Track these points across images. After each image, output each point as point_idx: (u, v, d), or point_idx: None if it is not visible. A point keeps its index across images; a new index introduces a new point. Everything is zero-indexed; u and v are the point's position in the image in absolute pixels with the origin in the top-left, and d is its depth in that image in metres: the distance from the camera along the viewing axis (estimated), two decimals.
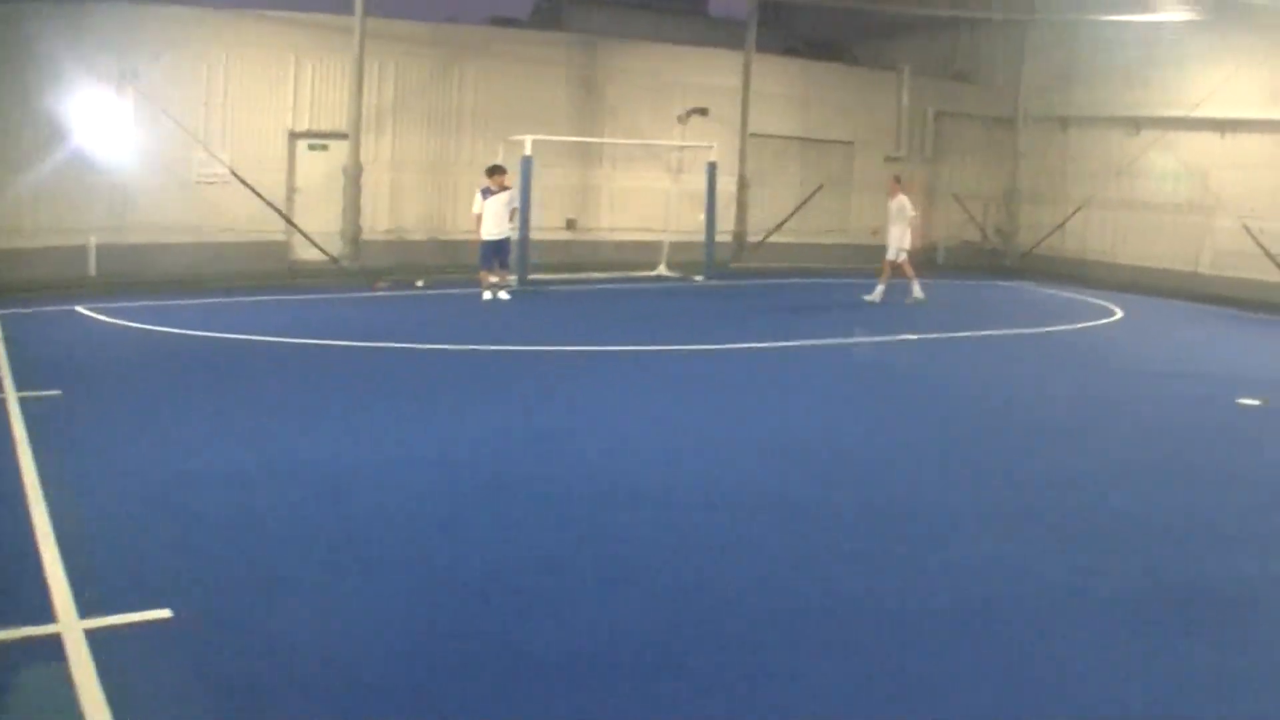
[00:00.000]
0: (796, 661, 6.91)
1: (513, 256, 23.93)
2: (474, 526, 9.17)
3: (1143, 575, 8.69)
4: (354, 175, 25.64)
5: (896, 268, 25.32)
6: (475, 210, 22.78)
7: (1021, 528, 9.73)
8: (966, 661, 7.03)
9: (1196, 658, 7.24)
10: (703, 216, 27.97)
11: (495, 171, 22.83)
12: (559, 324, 20.94)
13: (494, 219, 22.57)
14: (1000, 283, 31.62)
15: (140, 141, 23.86)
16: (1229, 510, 10.70)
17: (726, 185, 30.31)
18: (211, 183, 24.53)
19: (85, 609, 7.07)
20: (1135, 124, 32.78)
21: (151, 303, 20.04)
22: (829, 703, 6.43)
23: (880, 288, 25.17)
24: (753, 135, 32.26)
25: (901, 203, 25.21)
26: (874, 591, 8.11)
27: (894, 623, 7.57)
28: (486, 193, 22.63)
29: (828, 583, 8.26)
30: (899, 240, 25.22)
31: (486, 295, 22.57)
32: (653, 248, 28.71)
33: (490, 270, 22.82)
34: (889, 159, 34.89)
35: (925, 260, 35.09)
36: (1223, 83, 29.90)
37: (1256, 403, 15.93)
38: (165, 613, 7.09)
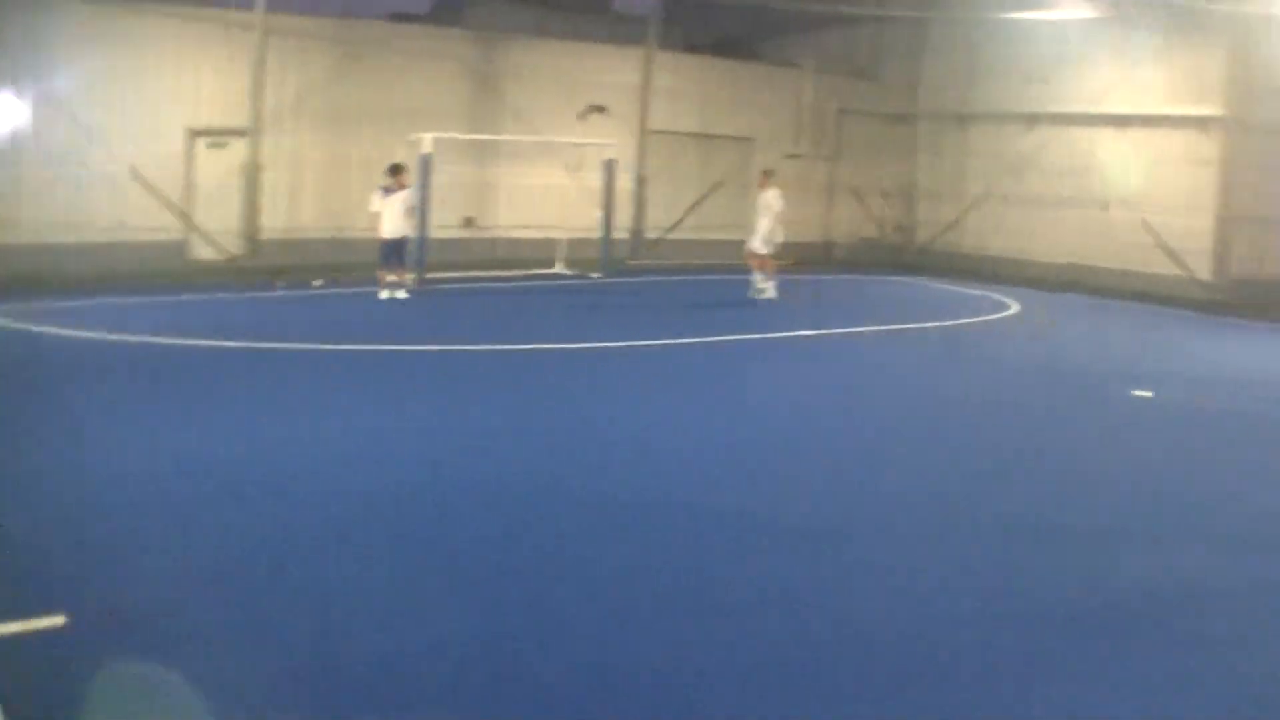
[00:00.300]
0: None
1: (411, 255, 24.22)
2: (372, 529, 9.45)
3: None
4: (253, 173, 25.99)
5: (760, 260, 25.84)
6: (374, 209, 23.25)
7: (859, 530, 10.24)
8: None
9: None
10: (600, 214, 28.35)
11: (395, 170, 23.27)
12: (456, 323, 21.52)
13: (393, 218, 23.07)
14: (899, 278, 32.55)
15: (37, 139, 23.96)
16: (1110, 507, 11.29)
17: (626, 182, 30.91)
18: (110, 182, 24.61)
19: None
20: (1033, 120, 33.83)
21: (45, 304, 20.17)
22: None
23: (769, 282, 25.78)
24: (653, 132, 32.89)
25: (771, 196, 25.79)
26: (811, 584, 8.73)
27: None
28: (386, 191, 23.14)
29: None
30: (766, 233, 25.65)
31: (384, 294, 23.05)
32: (551, 245, 29.15)
33: (389, 269, 23.27)
34: (789, 155, 35.61)
35: (824, 256, 35.81)
36: (1121, 79, 30.84)
37: (1148, 394, 16.75)
38: (59, 619, 7.18)
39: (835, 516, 10.53)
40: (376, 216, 23.15)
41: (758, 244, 25.73)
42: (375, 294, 23.17)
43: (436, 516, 9.85)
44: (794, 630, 7.78)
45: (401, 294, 23.29)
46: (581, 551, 9.12)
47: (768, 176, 26.48)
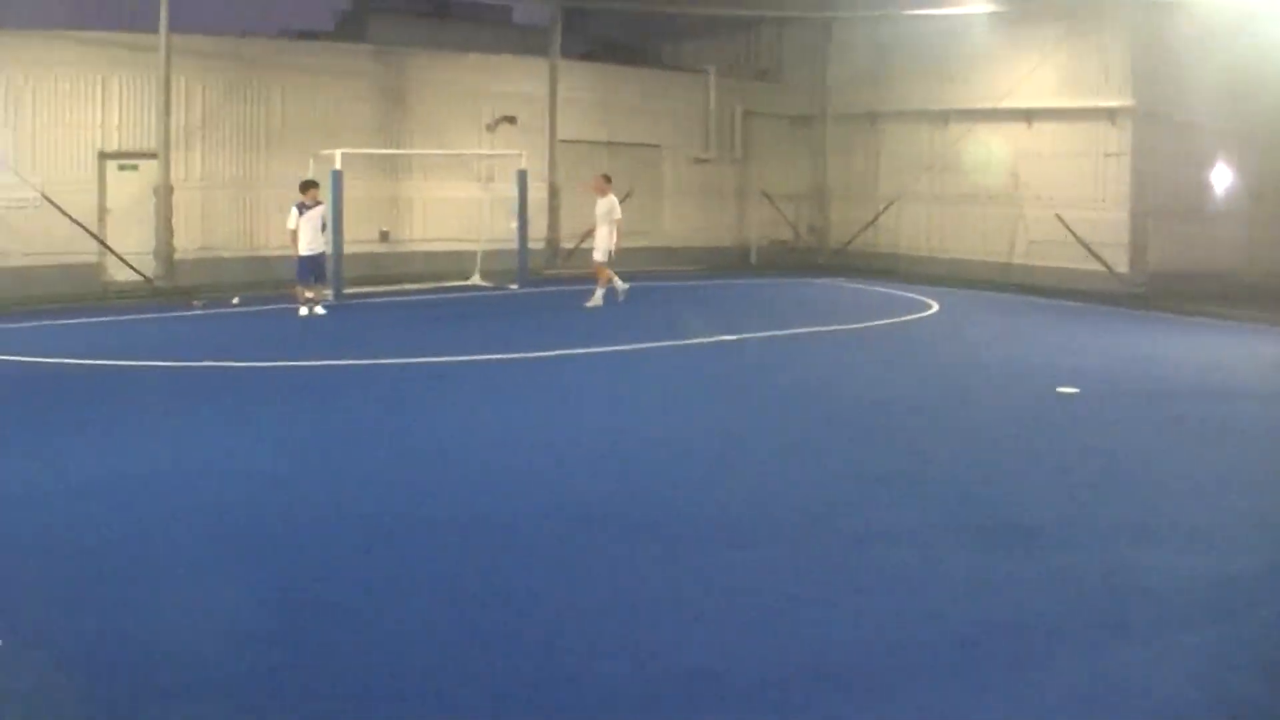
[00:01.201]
0: None
1: (327, 271, 24.66)
2: (277, 539, 9.67)
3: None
4: (165, 194, 26.69)
5: (602, 269, 25.80)
6: (290, 226, 23.73)
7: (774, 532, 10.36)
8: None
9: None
10: (514, 225, 29.00)
11: (309, 186, 23.88)
12: (375, 337, 21.76)
13: (309, 234, 23.53)
14: (814, 280, 32.83)
15: None
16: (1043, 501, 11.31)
17: (538, 193, 31.84)
18: (21, 208, 25.12)
19: None
20: (944, 117, 34.30)
21: None
22: None
23: (621, 286, 25.91)
24: (561, 141, 33.78)
25: (610, 203, 25.79)
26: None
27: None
28: (301, 208, 23.57)
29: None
30: (605, 241, 25.55)
31: (303, 310, 23.58)
32: (466, 257, 29.74)
33: (307, 285, 23.83)
34: (698, 160, 36.46)
35: (738, 261, 36.42)
36: (1028, 73, 31.42)
37: (1074, 391, 17.01)
38: None
39: (698, 521, 10.46)
40: (293, 234, 23.59)
41: (599, 254, 25.67)
42: (294, 310, 23.68)
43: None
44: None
45: (320, 310, 23.83)
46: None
47: (607, 182, 26.28)
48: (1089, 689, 6.98)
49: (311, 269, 23.76)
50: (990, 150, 32.98)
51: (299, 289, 23.80)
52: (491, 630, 7.76)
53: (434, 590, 8.58)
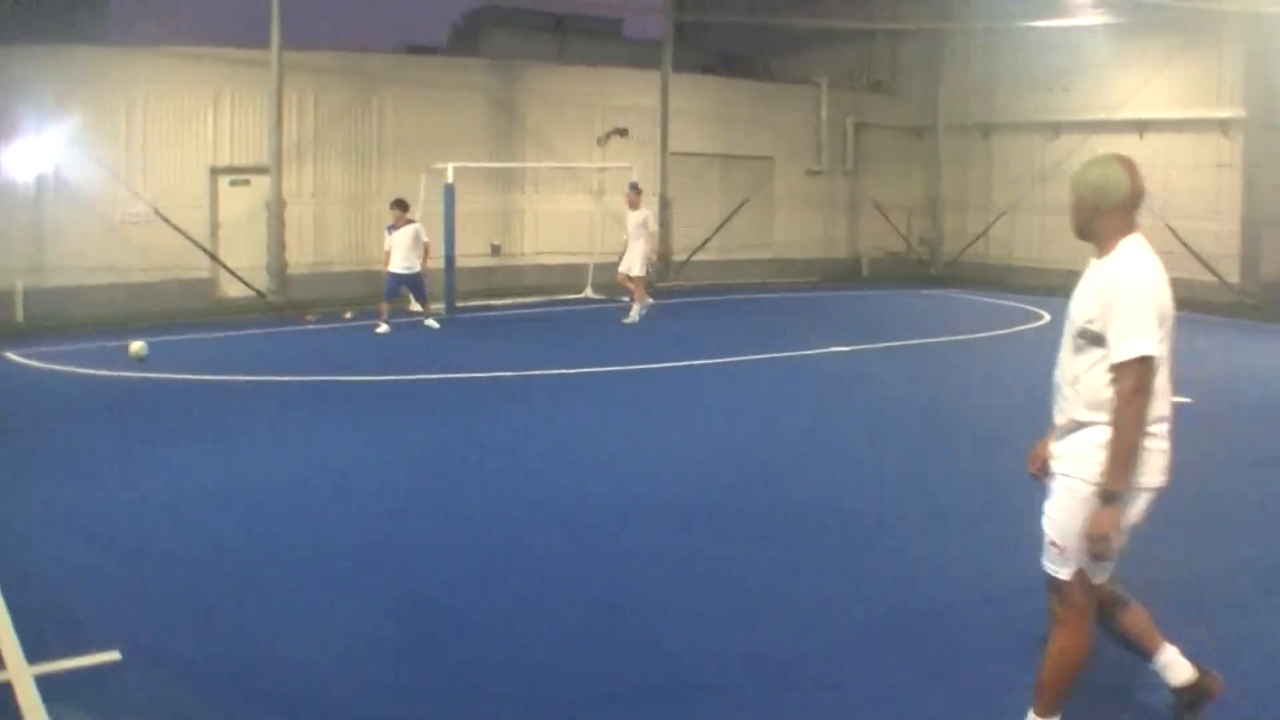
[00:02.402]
0: None
1: (436, 286, 24.28)
2: (413, 551, 9.47)
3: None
4: (276, 209, 26.27)
5: (634, 283, 24.71)
6: (386, 247, 23.19)
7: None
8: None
9: None
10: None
11: (394, 206, 23.18)
12: (485, 350, 21.51)
13: (398, 253, 22.89)
14: (926, 291, 32.48)
15: (62, 183, 24.24)
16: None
17: (649, 205, 30.83)
18: (135, 222, 24.99)
19: (33, 655, 7.07)
20: (1056, 128, 33.81)
21: (81, 346, 20.46)
22: None
23: (636, 306, 24.70)
24: (673, 154, 33.22)
25: (643, 216, 24.76)
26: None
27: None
28: (390, 229, 23.01)
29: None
30: (641, 256, 24.52)
31: (381, 328, 22.74)
32: (578, 270, 29.32)
33: (391, 302, 23.14)
34: (810, 172, 35.99)
35: (851, 272, 35.93)
36: (1140, 85, 30.95)
37: (1187, 400, 16.46)
38: (114, 654, 7.12)
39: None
40: (386, 254, 23.11)
41: (639, 269, 24.49)
42: (408, 325, 23.31)
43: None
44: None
45: (432, 323, 23.42)
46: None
47: (638, 194, 25.12)
48: None
49: (398, 286, 23.18)
50: None
51: (383, 305, 23.06)
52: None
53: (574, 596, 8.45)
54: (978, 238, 35.94)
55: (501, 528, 10.13)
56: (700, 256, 33.47)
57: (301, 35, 27.36)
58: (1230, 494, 11.68)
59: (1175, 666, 6.20)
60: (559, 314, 26.62)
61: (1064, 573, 5.75)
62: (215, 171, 26.65)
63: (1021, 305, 28.69)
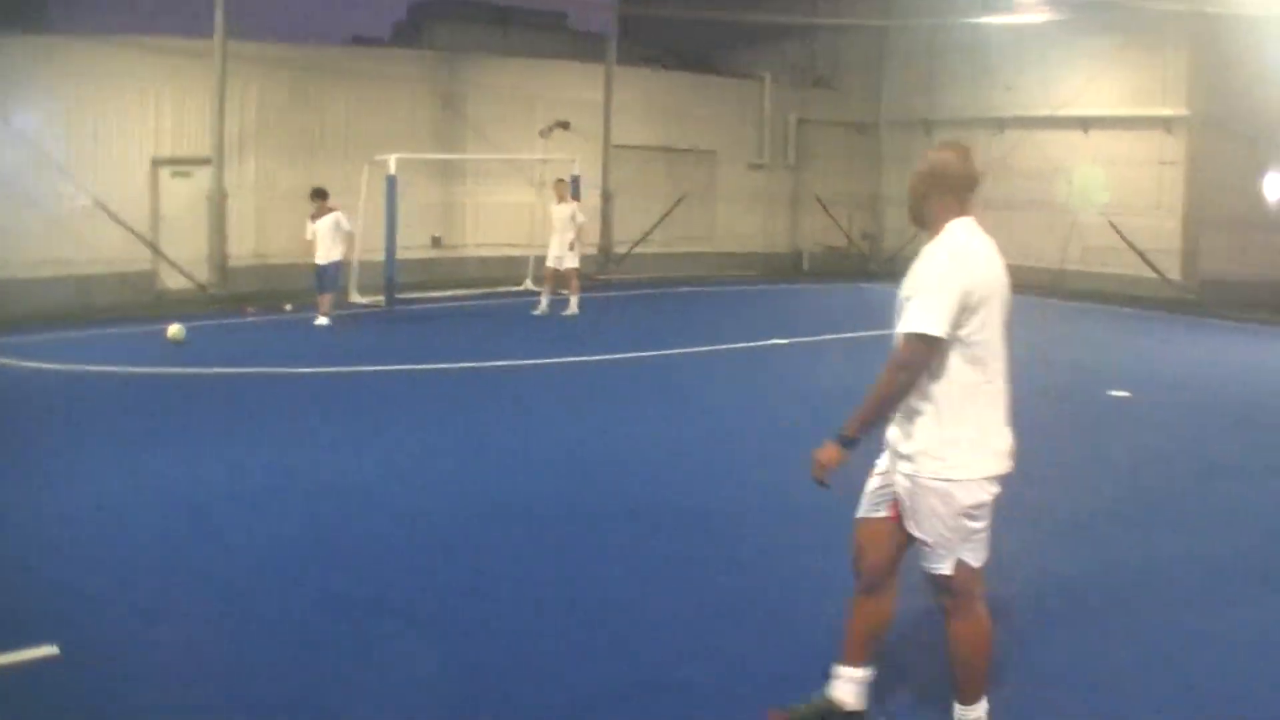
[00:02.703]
0: None
1: (375, 278, 24.25)
2: (342, 549, 9.48)
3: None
4: (218, 201, 26.22)
5: (560, 277, 24.77)
6: (308, 236, 22.81)
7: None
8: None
9: None
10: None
11: (314, 195, 22.92)
12: (423, 343, 21.59)
13: (322, 243, 22.57)
14: (867, 286, 32.51)
15: (1, 176, 24.02)
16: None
17: (591, 198, 31.01)
18: (76, 215, 24.68)
19: None
20: (1000, 125, 34.04)
21: (19, 339, 20.23)
22: None
23: (574, 299, 24.82)
24: (616, 147, 33.34)
25: (571, 209, 24.68)
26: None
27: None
28: (314, 218, 22.72)
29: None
30: (564, 248, 24.45)
31: (320, 320, 22.63)
32: (520, 262, 29.35)
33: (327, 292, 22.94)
34: (752, 166, 36.15)
35: (791, 266, 36.12)
36: (1085, 82, 31.25)
37: (1125, 394, 16.84)
38: (53, 649, 7.16)
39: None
40: (309, 243, 22.77)
41: (569, 260, 24.49)
42: (345, 317, 23.34)
43: None
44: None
45: (322, 320, 22.75)
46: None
47: (565, 185, 25.25)
48: None
49: (321, 278, 22.87)
50: (1044, 158, 32.69)
51: (321, 297, 22.87)
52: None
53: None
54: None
55: (448, 524, 10.18)
56: (642, 250, 33.61)
57: (245, 26, 27.06)
58: (1170, 487, 11.97)
59: (849, 687, 6.21)
60: (497, 306, 26.66)
61: (943, 567, 5.83)
62: (157, 163, 26.43)
63: None
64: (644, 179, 33.99)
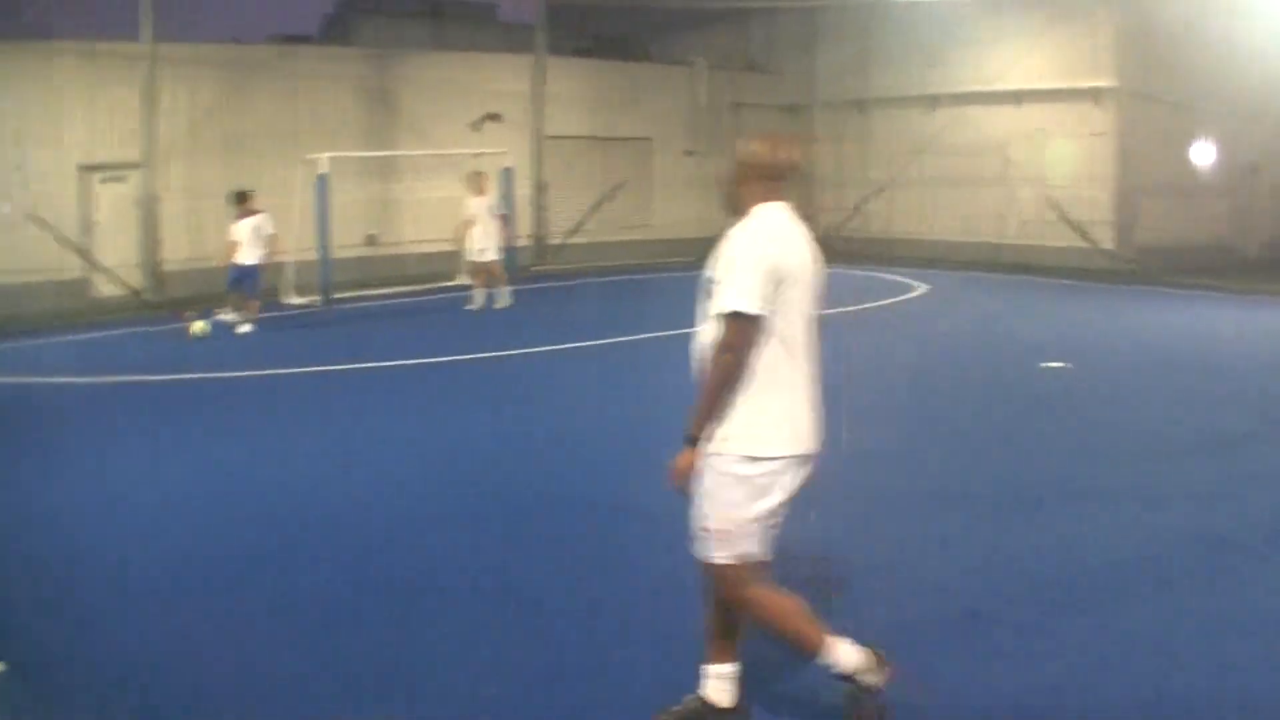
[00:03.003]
0: None
1: (310, 278, 24.14)
2: (292, 551, 9.47)
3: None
4: (150, 205, 26.03)
5: (487, 269, 24.81)
6: (230, 239, 22.51)
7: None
8: None
9: None
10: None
11: (236, 198, 22.76)
12: (353, 343, 21.51)
13: (245, 245, 22.31)
14: None
15: None
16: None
17: (525, 190, 31.07)
18: (2, 224, 24.46)
19: None
20: (933, 102, 34.58)
21: None
22: None
23: (502, 291, 25.04)
24: (550, 138, 33.41)
25: (489, 201, 24.72)
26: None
27: None
28: (237, 220, 22.45)
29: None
30: (493, 239, 24.46)
31: (243, 328, 22.27)
32: (458, 258, 29.12)
33: (247, 297, 22.57)
34: (688, 153, 36.05)
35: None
36: (1016, 56, 31.63)
37: (1060, 365, 17.00)
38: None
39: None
40: (231, 246, 22.39)
41: (492, 252, 24.53)
42: (282, 318, 23.43)
43: None
44: None
45: (231, 318, 22.48)
46: None
47: (480, 179, 24.91)
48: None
49: (237, 280, 22.44)
50: (978, 133, 32.97)
51: (250, 302, 22.52)
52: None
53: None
54: (853, 213, 36.45)
55: (384, 523, 10.18)
56: (578, 239, 33.66)
57: (172, 27, 26.89)
58: (1110, 454, 12.15)
59: (722, 685, 6.24)
60: (433, 303, 26.64)
61: (719, 555, 5.90)
62: (87, 169, 26.27)
63: (898, 278, 29.28)
64: (579, 169, 34.01)
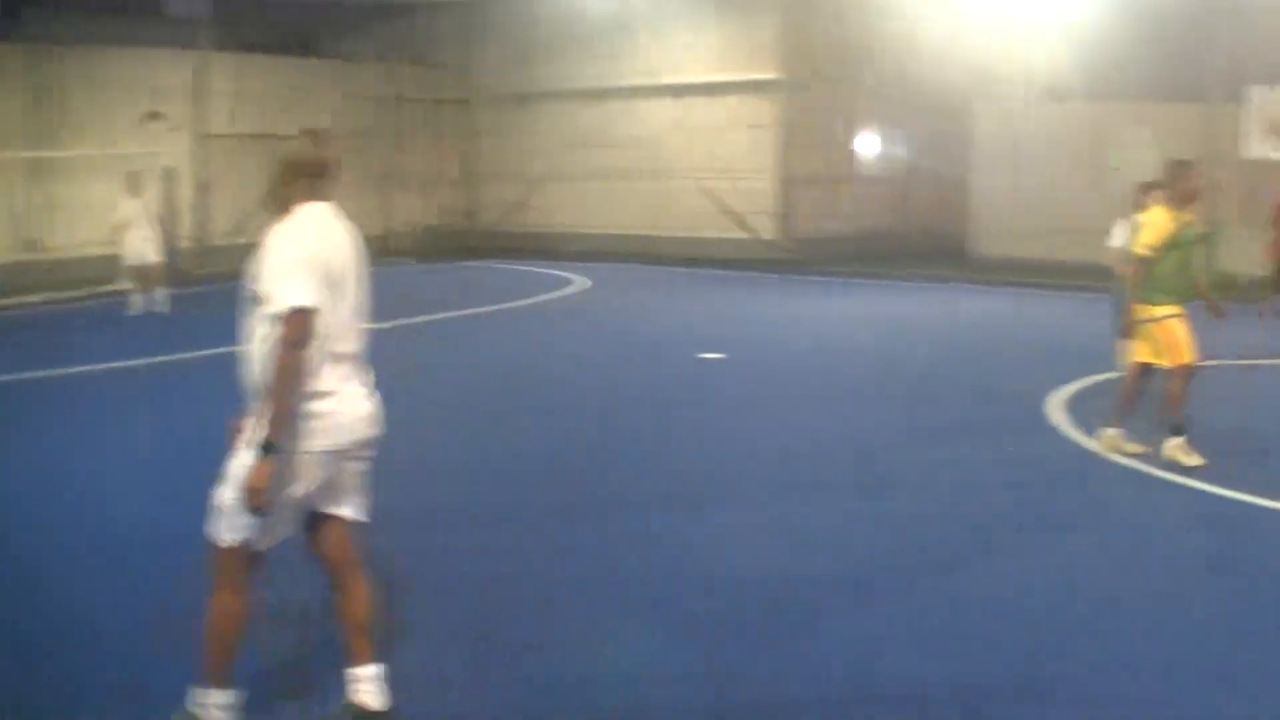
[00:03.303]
0: None
1: None
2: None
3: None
4: None
5: (146, 272, 24.56)
6: None
7: None
8: None
9: None
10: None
11: None
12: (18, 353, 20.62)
13: None
14: (465, 263, 33.65)
15: None
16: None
17: (188, 190, 31.57)
18: None
19: None
20: (597, 95, 35.73)
21: None
22: None
23: (163, 292, 24.86)
24: (213, 136, 33.27)
25: (140, 202, 24.53)
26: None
27: None
28: None
29: None
30: (145, 242, 24.31)
31: None
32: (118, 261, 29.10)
33: None
34: (355, 148, 36.34)
35: (381, 247, 36.44)
36: (681, 49, 33.46)
37: (718, 357, 17.81)
38: None
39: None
40: None
41: (153, 254, 24.48)
42: None
43: None
44: None
45: None
46: None
47: (134, 178, 24.71)
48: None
49: None
50: (643, 126, 34.49)
51: None
52: None
53: None
54: (515, 206, 37.69)
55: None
56: (240, 240, 33.55)
57: None
58: (772, 447, 12.71)
59: (367, 686, 6.20)
60: (95, 308, 26.14)
61: (225, 538, 5.89)
62: None
63: (561, 272, 30.02)
64: (244, 167, 33.76)
